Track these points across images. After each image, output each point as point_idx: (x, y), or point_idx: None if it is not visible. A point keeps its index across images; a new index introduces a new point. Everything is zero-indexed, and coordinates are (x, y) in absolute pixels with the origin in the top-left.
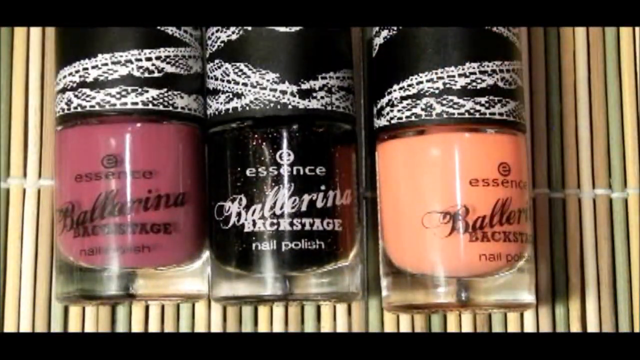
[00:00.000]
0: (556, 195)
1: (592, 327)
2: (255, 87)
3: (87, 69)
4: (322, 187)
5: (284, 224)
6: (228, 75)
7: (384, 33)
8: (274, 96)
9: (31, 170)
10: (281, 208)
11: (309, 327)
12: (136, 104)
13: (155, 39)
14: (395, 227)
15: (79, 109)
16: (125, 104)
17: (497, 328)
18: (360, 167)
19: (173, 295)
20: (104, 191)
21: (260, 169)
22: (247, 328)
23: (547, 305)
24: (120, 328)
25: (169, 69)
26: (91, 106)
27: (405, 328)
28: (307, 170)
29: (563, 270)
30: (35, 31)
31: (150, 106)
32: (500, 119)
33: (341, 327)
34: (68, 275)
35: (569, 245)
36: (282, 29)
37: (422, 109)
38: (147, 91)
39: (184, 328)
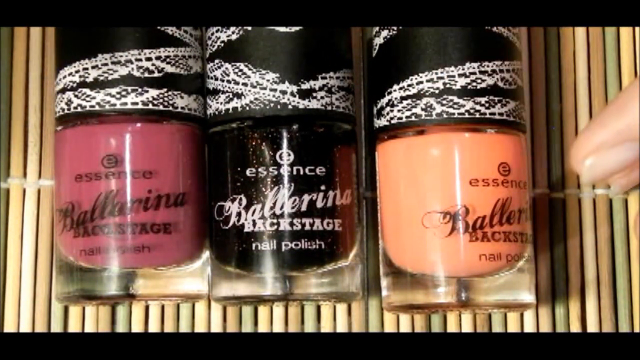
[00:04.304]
0: (556, 195)
1: (592, 327)
2: (255, 87)
3: (87, 69)
4: (322, 187)
5: (284, 224)
6: (228, 75)
7: (384, 33)
8: (274, 96)
9: (31, 170)
10: (281, 208)
11: (309, 327)
12: (136, 104)
13: (155, 39)
14: (395, 227)
15: (79, 109)
16: (125, 104)
17: (497, 328)
18: (360, 167)
19: (173, 295)
20: (104, 191)
21: (260, 169)
22: (247, 328)
23: (547, 305)
24: (120, 328)
25: (169, 69)
26: (91, 106)
27: (405, 328)
28: (307, 170)
29: (563, 270)
30: (35, 31)
31: (150, 106)
32: (501, 119)
33: (341, 327)
34: (68, 275)
35: (569, 245)
36: (282, 29)
37: (422, 109)
38: (147, 91)
39: (184, 328)
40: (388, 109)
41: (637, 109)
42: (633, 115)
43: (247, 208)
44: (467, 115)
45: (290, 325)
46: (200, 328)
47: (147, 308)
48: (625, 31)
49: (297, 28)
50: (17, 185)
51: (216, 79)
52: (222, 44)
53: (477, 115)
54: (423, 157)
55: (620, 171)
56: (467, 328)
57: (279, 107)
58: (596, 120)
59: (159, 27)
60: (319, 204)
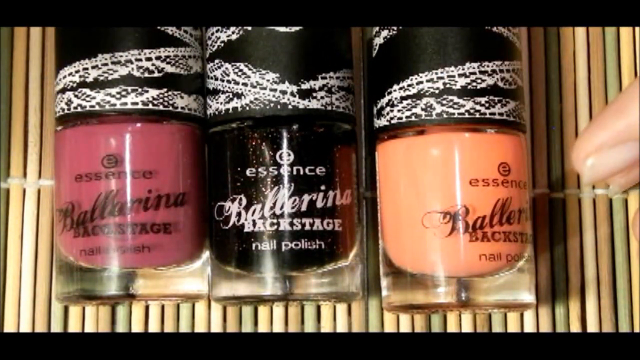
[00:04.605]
0: (556, 195)
1: (592, 327)
2: (255, 87)
3: (87, 69)
4: (322, 187)
5: (284, 224)
6: (228, 75)
7: (384, 33)
8: (274, 96)
9: (31, 170)
10: (281, 208)
11: (309, 327)
12: (136, 104)
13: (155, 39)
14: (395, 227)
15: (79, 109)
16: (125, 104)
17: (497, 328)
18: (360, 167)
19: (173, 295)
20: (103, 191)
21: (260, 169)
22: (247, 328)
23: (547, 305)
24: (120, 328)
25: (169, 69)
26: (91, 106)
27: (405, 328)
28: (307, 171)
29: (563, 270)
30: (35, 31)
31: (150, 106)
32: (501, 119)
33: (341, 327)
34: (68, 275)
35: (569, 245)
36: (282, 29)
37: (422, 109)
38: (147, 91)
39: (184, 328)
40: (388, 109)
41: (637, 110)
42: (633, 116)
43: (247, 208)
44: (467, 115)
45: (290, 325)
46: (200, 328)
47: (147, 308)
48: (625, 31)
49: (297, 28)
50: (17, 185)
51: (216, 79)
52: (222, 44)
53: (477, 115)
54: (423, 157)
55: (621, 171)
56: (467, 328)
57: (279, 107)
58: (596, 120)
59: (159, 27)
60: (319, 204)
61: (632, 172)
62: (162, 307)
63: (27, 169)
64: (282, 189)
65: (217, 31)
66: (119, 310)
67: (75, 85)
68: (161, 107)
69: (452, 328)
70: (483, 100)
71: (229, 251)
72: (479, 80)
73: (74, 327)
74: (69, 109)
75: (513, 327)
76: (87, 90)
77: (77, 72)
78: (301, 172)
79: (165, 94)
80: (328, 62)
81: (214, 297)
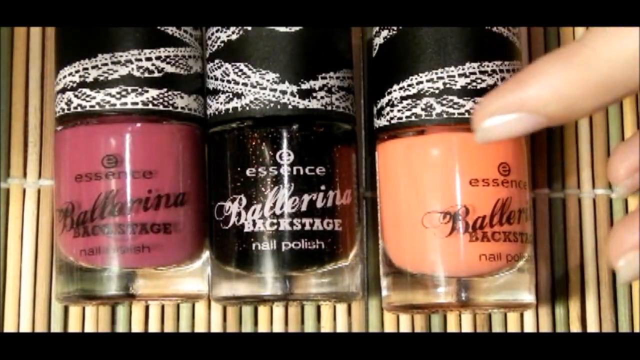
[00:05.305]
0: (556, 195)
1: (592, 327)
2: (255, 87)
3: (87, 69)
4: (322, 187)
5: (284, 224)
6: (228, 75)
7: (384, 33)
8: (274, 96)
9: (31, 170)
10: (281, 208)
11: (309, 327)
12: (136, 104)
13: (155, 39)
14: (395, 227)
15: (79, 109)
16: (125, 104)
17: (497, 328)
18: (360, 167)
19: (173, 295)
20: (103, 191)
21: (260, 169)
22: (247, 328)
23: (547, 305)
24: (120, 328)
25: (169, 69)
26: (91, 106)
27: (405, 328)
28: (307, 171)
29: (563, 270)
30: (35, 31)
31: (150, 106)
32: None
33: (341, 327)
34: (68, 275)
35: (569, 245)
36: (282, 29)
37: (422, 109)
38: (147, 91)
39: (184, 328)
40: (388, 109)
41: (539, 83)
42: (530, 89)
43: (247, 208)
44: (467, 115)
45: (290, 325)
46: (200, 328)
47: (147, 308)
48: None
49: (297, 28)
50: (17, 185)
51: (216, 79)
52: (222, 44)
53: None
54: (423, 157)
55: (510, 136)
56: (467, 328)
57: (279, 107)
58: (498, 88)
59: (159, 27)
60: (319, 204)
61: (637, 174)
62: (162, 307)
63: (27, 169)
64: (282, 189)
65: (217, 31)
66: (119, 310)
67: (75, 85)
68: (161, 107)
69: (452, 328)
70: None
71: (229, 251)
72: (479, 80)
73: (74, 327)
74: (69, 109)
75: (513, 327)
76: (87, 90)
77: (77, 72)
78: (301, 172)
79: (165, 94)
80: (328, 62)
81: (214, 297)
